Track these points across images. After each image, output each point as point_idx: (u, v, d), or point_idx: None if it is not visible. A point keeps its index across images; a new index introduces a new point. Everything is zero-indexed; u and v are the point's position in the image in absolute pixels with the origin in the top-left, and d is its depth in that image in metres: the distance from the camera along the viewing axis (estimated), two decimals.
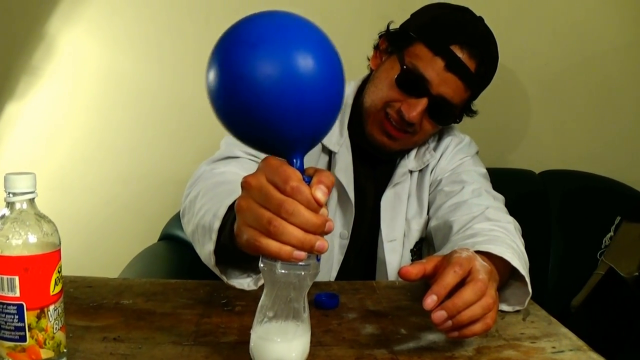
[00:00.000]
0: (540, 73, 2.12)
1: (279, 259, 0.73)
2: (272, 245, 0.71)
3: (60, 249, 0.77)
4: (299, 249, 0.71)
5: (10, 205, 0.75)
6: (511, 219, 1.23)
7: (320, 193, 0.71)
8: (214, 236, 0.91)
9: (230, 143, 1.29)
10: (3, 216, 0.75)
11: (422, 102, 1.28)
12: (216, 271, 0.94)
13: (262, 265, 0.75)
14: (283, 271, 0.74)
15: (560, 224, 1.98)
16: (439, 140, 1.45)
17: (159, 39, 2.07)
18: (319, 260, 0.76)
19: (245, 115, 0.71)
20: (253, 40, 0.70)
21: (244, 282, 0.95)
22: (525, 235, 1.21)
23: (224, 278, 0.95)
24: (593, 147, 2.16)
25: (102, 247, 2.16)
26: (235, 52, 0.70)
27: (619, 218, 1.92)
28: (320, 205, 0.71)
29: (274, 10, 0.74)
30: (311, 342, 0.80)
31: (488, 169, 1.45)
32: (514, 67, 2.08)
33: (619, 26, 2.10)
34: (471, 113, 1.41)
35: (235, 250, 0.86)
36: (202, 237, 0.97)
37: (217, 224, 0.91)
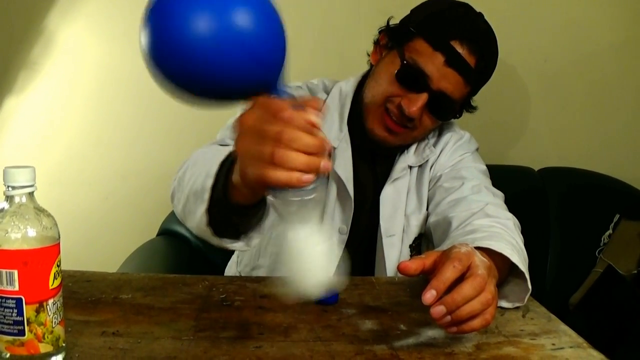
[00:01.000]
0: (539, 70, 2.12)
1: (290, 186, 0.73)
2: (281, 174, 0.72)
3: (59, 243, 0.77)
4: (307, 172, 0.72)
5: (9, 198, 0.75)
6: (511, 215, 1.23)
7: (312, 115, 0.73)
8: (207, 195, 0.91)
9: (225, 134, 1.29)
10: (2, 210, 0.75)
11: (422, 97, 1.28)
12: (207, 234, 0.95)
13: (273, 199, 0.76)
14: (296, 198, 0.75)
15: (559, 221, 1.98)
16: (439, 136, 1.45)
17: None
18: (324, 182, 0.77)
19: (190, 71, 0.73)
20: None
21: (236, 245, 0.97)
22: (523, 233, 1.21)
23: (215, 240, 0.95)
24: (592, 144, 2.16)
25: (101, 241, 2.16)
26: (172, 5, 0.73)
27: (617, 216, 1.92)
28: (315, 126, 0.73)
29: None
30: (310, 337, 0.80)
31: (487, 166, 1.44)
32: (513, 64, 2.08)
33: (619, 23, 2.10)
34: (471, 109, 1.41)
35: (228, 207, 0.88)
36: (193, 205, 0.97)
37: (209, 182, 0.92)
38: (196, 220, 0.96)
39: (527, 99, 2.15)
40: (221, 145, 1.22)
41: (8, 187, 0.74)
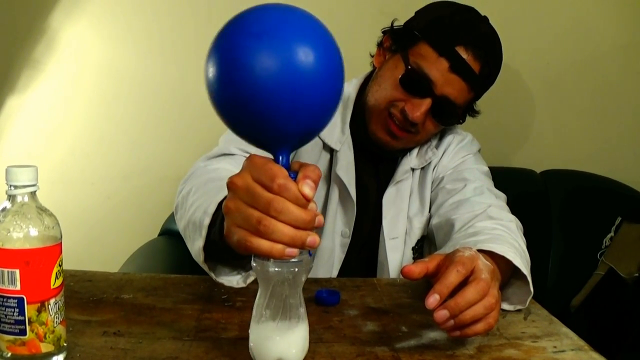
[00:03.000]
0: (541, 72, 2.12)
1: (272, 258, 0.72)
2: (264, 244, 0.71)
3: (61, 243, 0.77)
4: (291, 246, 0.71)
5: (11, 198, 0.75)
6: (513, 217, 1.23)
7: (307, 188, 0.71)
8: (204, 232, 0.91)
9: (227, 140, 1.29)
10: (4, 209, 0.75)
11: (426, 103, 1.28)
12: (205, 268, 0.94)
13: (254, 264, 0.75)
14: (276, 269, 0.74)
15: (561, 223, 1.98)
16: (441, 138, 1.45)
17: (161, 34, 2.07)
18: (311, 255, 0.76)
19: (239, 105, 0.70)
20: (255, 30, 0.69)
21: (233, 280, 0.95)
22: (525, 235, 1.20)
23: (212, 275, 0.95)
24: (594, 147, 2.16)
25: (103, 241, 2.16)
26: (236, 40, 0.70)
27: (619, 219, 1.92)
28: (308, 200, 0.71)
29: (278, 2, 0.73)
30: (312, 338, 0.80)
31: (489, 168, 1.44)
32: (516, 67, 2.08)
33: (621, 26, 2.10)
34: (474, 113, 1.41)
35: (224, 247, 0.86)
36: (192, 233, 0.97)
37: (207, 221, 0.91)
38: (194, 251, 0.95)
39: (529, 102, 2.14)
40: (227, 154, 1.22)
41: (10, 186, 0.74)
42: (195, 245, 0.93)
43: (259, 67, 0.68)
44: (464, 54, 1.26)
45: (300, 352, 0.78)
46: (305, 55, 0.69)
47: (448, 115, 1.33)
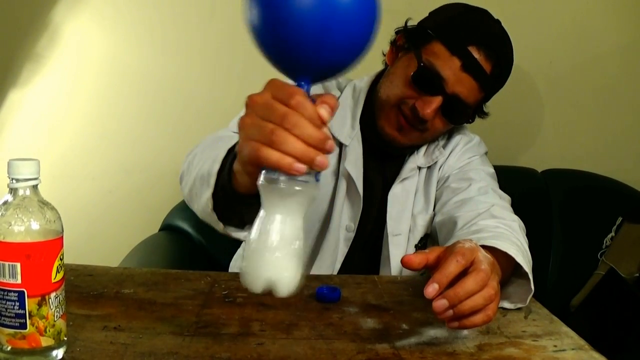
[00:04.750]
0: (543, 72, 2.12)
1: (279, 169, 0.71)
2: (273, 154, 0.70)
3: (62, 237, 0.77)
4: (300, 161, 0.70)
5: (13, 191, 0.75)
6: (516, 217, 1.23)
7: (324, 110, 0.72)
8: (212, 180, 0.91)
9: (234, 124, 1.29)
10: (6, 202, 0.75)
11: (437, 100, 1.28)
12: (212, 218, 0.94)
13: (261, 181, 0.73)
14: (282, 185, 0.72)
15: (562, 223, 1.98)
16: (449, 138, 1.45)
17: (164, 28, 2.07)
18: (318, 180, 0.75)
19: (268, 25, 0.72)
20: None
21: (241, 234, 0.96)
22: (526, 234, 1.21)
23: (219, 226, 0.95)
24: (596, 146, 2.16)
25: (104, 236, 2.16)
26: None
27: (620, 219, 1.92)
28: (323, 122, 0.72)
29: None
30: (312, 335, 0.80)
31: None
32: (519, 66, 2.06)
33: (624, 26, 2.09)
34: (483, 114, 1.41)
35: (233, 195, 0.87)
36: (200, 189, 0.97)
37: (216, 167, 0.91)
38: (202, 204, 0.96)
39: (531, 101, 2.14)
40: (234, 132, 1.22)
41: (12, 179, 0.74)
42: (203, 197, 0.94)
43: None
44: (476, 53, 1.27)
45: (292, 279, 0.74)
46: None
47: (458, 114, 1.34)
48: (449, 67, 1.27)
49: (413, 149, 1.42)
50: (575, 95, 2.14)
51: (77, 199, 2.14)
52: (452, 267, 0.84)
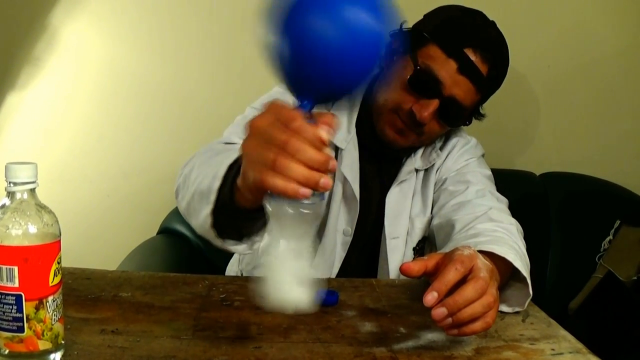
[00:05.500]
0: (542, 75, 2.12)
1: (285, 196, 0.73)
2: (278, 182, 0.72)
3: (60, 240, 0.77)
4: (304, 186, 0.72)
5: (10, 194, 0.75)
6: (514, 220, 1.23)
7: (324, 132, 0.73)
8: (213, 197, 0.92)
9: (231, 132, 1.29)
10: (3, 206, 0.74)
11: (434, 103, 1.28)
12: (210, 235, 0.95)
13: (267, 206, 0.76)
14: (290, 210, 0.75)
15: (560, 226, 1.98)
16: (446, 140, 1.45)
17: (162, 31, 2.07)
18: (323, 199, 0.77)
19: (288, 41, 0.74)
20: None
21: (239, 248, 0.97)
22: (524, 237, 1.21)
23: (218, 242, 0.96)
24: (594, 150, 2.16)
25: (102, 239, 2.16)
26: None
27: (618, 222, 1.92)
28: (324, 144, 0.73)
29: None
30: (310, 338, 0.80)
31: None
32: (516, 69, 2.07)
33: (622, 29, 2.10)
34: (479, 116, 1.41)
35: (233, 211, 0.88)
36: (198, 204, 0.97)
37: (217, 184, 0.92)
38: (200, 220, 0.96)
39: (529, 104, 2.14)
40: (229, 143, 1.22)
41: (10, 183, 0.74)
42: (202, 214, 0.94)
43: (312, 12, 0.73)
44: (472, 55, 1.27)
45: (310, 300, 0.77)
46: (348, 19, 0.74)
47: (454, 117, 1.33)
48: (445, 70, 1.27)
49: (410, 151, 1.42)
50: (574, 99, 2.14)
51: (75, 202, 2.14)
52: (451, 275, 0.84)
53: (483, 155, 1.48)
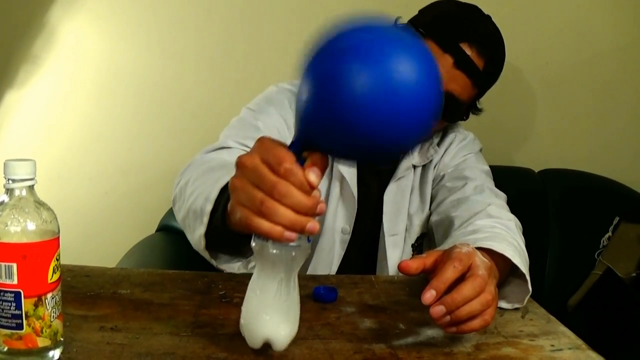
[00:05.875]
0: (541, 72, 2.12)
1: (271, 239, 0.73)
2: (264, 225, 0.72)
3: (59, 237, 0.77)
4: (290, 230, 0.72)
5: (9, 191, 0.75)
6: (512, 216, 1.23)
7: (313, 175, 0.72)
8: (206, 219, 0.91)
9: (226, 135, 1.28)
10: (2, 203, 0.74)
11: None
12: (206, 255, 0.95)
13: (254, 244, 0.77)
14: (274, 251, 0.76)
15: (559, 223, 1.98)
16: (443, 136, 1.45)
17: (161, 30, 2.07)
18: (309, 241, 0.78)
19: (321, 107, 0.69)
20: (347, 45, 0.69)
21: (234, 266, 0.97)
22: (523, 234, 1.21)
23: (213, 262, 0.96)
24: (593, 146, 2.16)
25: (100, 237, 2.16)
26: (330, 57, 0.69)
27: (617, 218, 1.92)
28: (312, 187, 0.72)
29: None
30: (309, 335, 0.80)
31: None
32: (515, 66, 2.08)
33: (621, 26, 2.10)
34: (477, 111, 1.41)
35: (226, 232, 0.88)
36: (193, 222, 0.97)
37: (209, 207, 0.92)
38: (195, 239, 0.96)
39: (528, 101, 2.14)
40: (224, 147, 1.21)
41: (8, 180, 0.74)
42: (196, 233, 0.94)
43: (352, 82, 0.67)
44: (468, 50, 1.26)
45: (288, 335, 0.80)
46: (402, 69, 0.68)
47: (452, 112, 1.33)
48: (441, 65, 1.26)
49: None
50: (572, 96, 2.14)
51: (74, 200, 2.13)
52: (449, 273, 0.84)
53: (481, 150, 1.48)
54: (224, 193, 0.91)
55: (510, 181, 1.83)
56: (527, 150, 2.17)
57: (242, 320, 0.81)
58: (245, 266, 0.97)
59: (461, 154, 1.42)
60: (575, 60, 2.11)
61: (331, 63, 0.68)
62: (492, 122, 2.04)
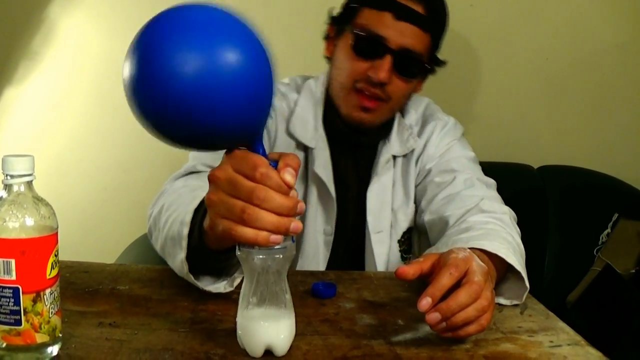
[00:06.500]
0: (540, 69, 2.11)
1: (257, 245, 0.74)
2: (248, 232, 0.72)
3: (57, 233, 0.77)
4: (275, 233, 0.73)
5: (8, 187, 0.74)
6: (506, 208, 1.22)
7: (288, 175, 0.73)
8: (184, 243, 0.91)
9: (193, 157, 1.25)
10: (0, 198, 0.74)
11: (387, 60, 1.25)
12: (190, 279, 0.94)
13: (239, 253, 0.77)
14: (261, 256, 0.76)
15: (558, 219, 1.98)
16: (423, 125, 1.42)
17: None
18: (294, 241, 0.78)
19: (171, 110, 0.71)
20: (179, 30, 0.72)
21: (220, 286, 0.97)
22: (522, 230, 1.20)
23: (198, 284, 0.95)
24: (592, 143, 2.16)
25: (99, 232, 2.16)
26: (159, 43, 0.71)
27: (616, 215, 1.92)
28: (290, 187, 0.73)
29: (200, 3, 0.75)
30: (308, 331, 0.80)
31: (486, 163, 1.43)
32: (515, 62, 2.07)
33: (620, 23, 2.10)
34: (440, 63, 1.38)
35: (206, 253, 0.88)
36: (172, 249, 0.97)
37: (185, 230, 0.91)
38: (177, 265, 0.96)
39: (527, 97, 2.14)
40: (193, 172, 1.20)
41: (7, 175, 0.74)
42: (177, 259, 0.93)
43: (181, 70, 0.68)
44: (403, 1, 1.25)
45: (288, 338, 0.80)
46: (226, 54, 0.69)
47: (413, 67, 1.30)
48: (383, 24, 1.25)
49: (384, 132, 1.39)
50: (572, 92, 2.14)
51: (73, 196, 2.13)
52: (445, 280, 0.84)
53: (463, 134, 1.45)
54: (197, 214, 0.91)
55: (510, 178, 1.84)
56: (526, 147, 2.16)
57: (239, 331, 0.81)
58: (231, 284, 0.96)
59: (444, 142, 1.39)
60: (574, 56, 2.11)
61: (153, 48, 0.70)
62: (492, 118, 2.05)
